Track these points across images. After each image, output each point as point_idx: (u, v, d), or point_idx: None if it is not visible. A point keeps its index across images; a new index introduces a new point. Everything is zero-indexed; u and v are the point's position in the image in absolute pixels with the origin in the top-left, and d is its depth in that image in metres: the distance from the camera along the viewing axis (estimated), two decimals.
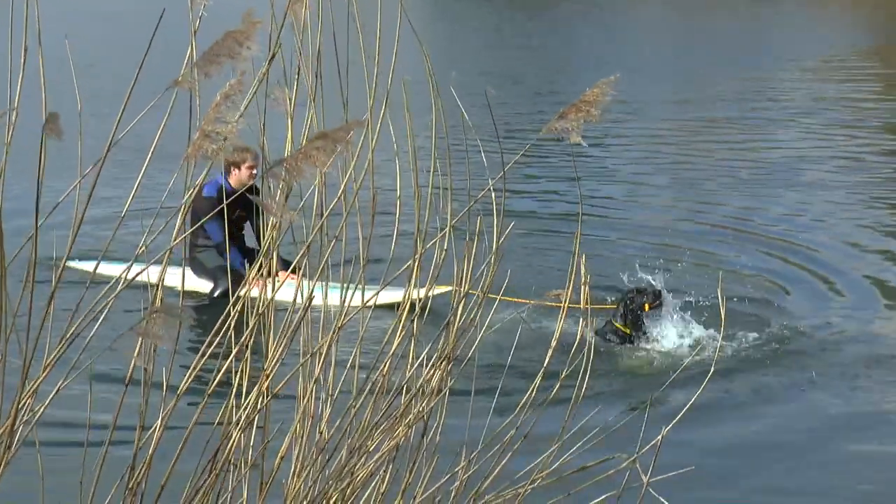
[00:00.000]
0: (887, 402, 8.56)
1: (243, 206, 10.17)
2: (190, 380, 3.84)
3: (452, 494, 4.48)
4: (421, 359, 4.30)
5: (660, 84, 28.06)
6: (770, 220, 14.30)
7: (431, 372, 4.23)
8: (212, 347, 3.77)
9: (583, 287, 4.47)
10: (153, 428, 3.85)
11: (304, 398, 4.10)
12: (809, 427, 8.17)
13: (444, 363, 4.25)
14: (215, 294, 10.29)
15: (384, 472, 4.37)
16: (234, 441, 3.93)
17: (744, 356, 9.24)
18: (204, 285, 10.43)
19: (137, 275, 3.29)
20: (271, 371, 3.85)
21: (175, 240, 3.50)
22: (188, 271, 10.59)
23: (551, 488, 4.73)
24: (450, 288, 9.22)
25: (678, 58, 35.10)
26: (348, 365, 4.29)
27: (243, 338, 3.79)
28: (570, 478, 4.75)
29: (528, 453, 4.64)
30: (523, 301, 8.89)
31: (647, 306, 9.13)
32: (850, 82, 28.74)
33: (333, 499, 4.27)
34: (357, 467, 4.24)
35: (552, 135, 3.94)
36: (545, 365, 4.45)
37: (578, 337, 4.49)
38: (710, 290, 10.38)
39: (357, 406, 4.20)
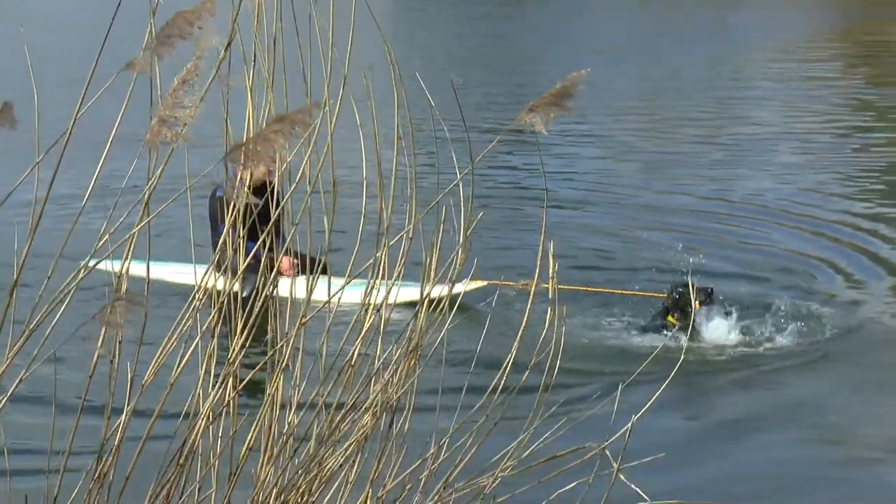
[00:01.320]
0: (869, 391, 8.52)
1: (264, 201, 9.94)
2: (156, 370, 3.83)
3: (422, 482, 4.47)
4: (390, 347, 4.30)
5: (628, 69, 28.07)
6: (752, 196, 14.40)
7: (400, 360, 4.23)
8: (174, 340, 3.76)
9: (551, 273, 4.47)
10: (119, 421, 3.84)
11: (271, 387, 4.09)
12: (786, 417, 8.15)
13: (412, 351, 4.25)
14: (244, 294, 9.91)
15: (353, 460, 4.36)
16: (199, 430, 3.92)
17: (746, 346, 9.24)
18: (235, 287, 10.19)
19: (97, 263, 3.27)
20: (236, 360, 3.84)
21: (137, 225, 3.49)
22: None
23: (522, 476, 4.73)
24: (485, 283, 9.20)
25: (646, 43, 35.04)
26: (316, 354, 4.28)
27: (208, 321, 3.78)
28: (542, 465, 4.76)
29: (499, 441, 4.64)
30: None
31: (698, 303, 9.01)
32: (815, 63, 28.97)
33: (303, 488, 4.27)
34: (326, 456, 4.23)
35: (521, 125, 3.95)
36: (513, 352, 4.44)
37: (547, 324, 4.49)
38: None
39: (325, 395, 4.19)
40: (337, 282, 4.25)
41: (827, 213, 13.59)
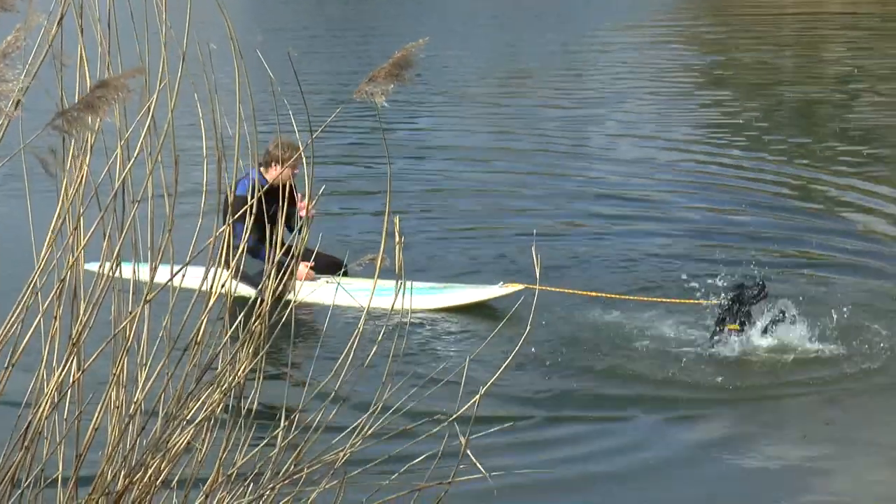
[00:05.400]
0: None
1: (278, 201, 9.59)
2: None
3: (273, 459, 4.48)
4: (236, 323, 4.30)
5: (480, 47, 28.30)
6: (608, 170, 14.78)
7: (245, 338, 4.24)
8: (13, 318, 3.72)
9: (396, 249, 4.50)
10: None
11: (116, 366, 4.07)
12: (635, 386, 8.17)
13: (257, 330, 4.27)
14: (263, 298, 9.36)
15: (202, 439, 4.36)
16: (44, 411, 3.88)
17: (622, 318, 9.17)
18: (247, 291, 9.59)
19: None
20: (80, 339, 3.81)
21: None
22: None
23: (372, 451, 4.78)
24: (522, 286, 9.00)
25: (501, 23, 35.27)
26: (160, 334, 4.27)
27: (50, 296, 3.75)
28: (393, 440, 4.83)
29: (351, 417, 4.68)
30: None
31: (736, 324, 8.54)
32: (659, 35, 29.85)
33: (151, 468, 4.25)
34: (174, 436, 4.22)
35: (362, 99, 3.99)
36: (359, 331, 4.47)
37: (393, 306, 4.52)
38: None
39: (171, 374, 4.19)
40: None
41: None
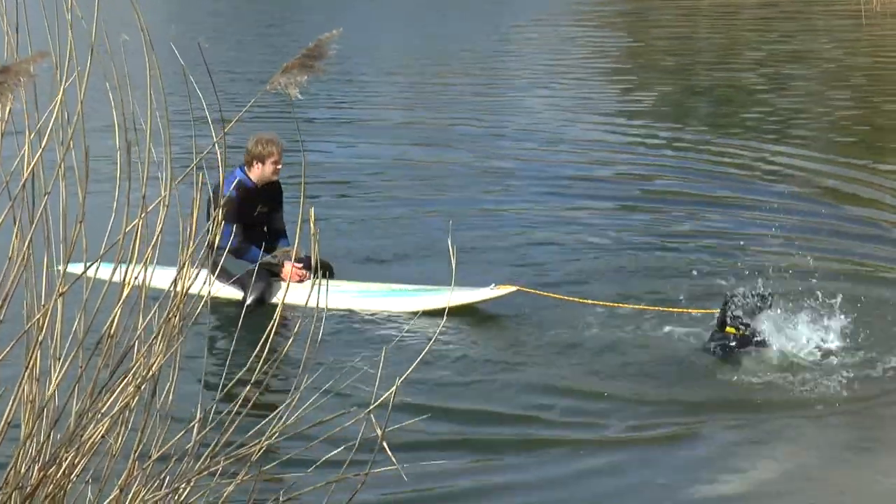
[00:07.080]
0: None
1: (264, 202, 9.41)
2: None
3: (188, 453, 4.47)
4: (151, 315, 4.29)
5: (404, 42, 28.30)
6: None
7: (160, 330, 4.23)
8: None
9: (312, 241, 4.51)
10: None
11: (28, 359, 4.04)
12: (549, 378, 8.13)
13: (173, 322, 4.26)
14: (248, 301, 9.11)
15: (116, 433, 4.34)
16: None
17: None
18: (231, 292, 9.14)
19: None
20: None
21: None
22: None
23: (289, 444, 4.78)
24: (514, 288, 8.80)
25: (426, 17, 35.24)
26: (73, 329, 4.24)
27: None
28: (309, 432, 4.82)
29: (267, 411, 4.68)
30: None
31: (732, 331, 8.32)
32: (582, 24, 30.30)
33: (66, 462, 4.23)
34: (87, 430, 4.20)
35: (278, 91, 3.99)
36: (274, 320, 4.48)
37: (309, 293, 4.52)
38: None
39: (84, 367, 4.16)
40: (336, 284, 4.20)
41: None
